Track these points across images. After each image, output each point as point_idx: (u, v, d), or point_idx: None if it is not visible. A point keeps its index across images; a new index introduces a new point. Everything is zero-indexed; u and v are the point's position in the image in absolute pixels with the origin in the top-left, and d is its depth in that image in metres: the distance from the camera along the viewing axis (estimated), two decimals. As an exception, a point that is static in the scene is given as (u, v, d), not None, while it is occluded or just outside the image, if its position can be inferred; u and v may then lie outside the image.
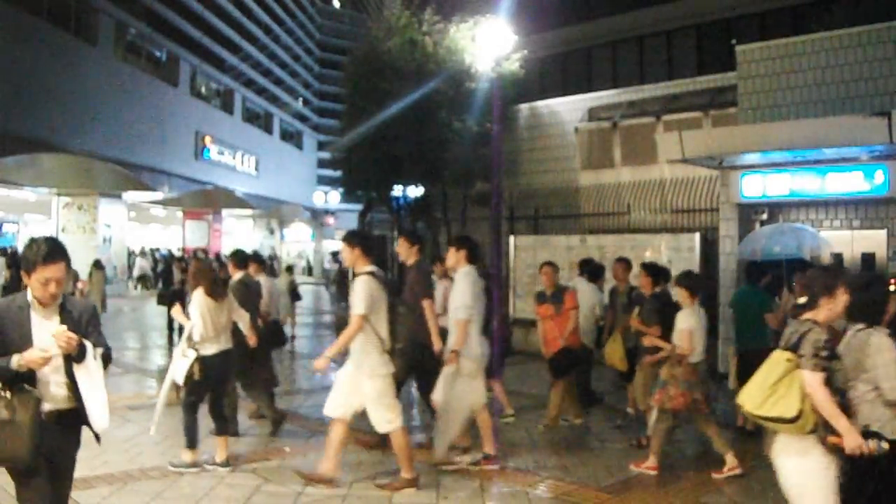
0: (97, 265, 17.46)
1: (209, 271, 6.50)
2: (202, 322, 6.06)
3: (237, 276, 7.35)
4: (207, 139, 37.54)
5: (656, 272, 7.14)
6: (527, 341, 12.68)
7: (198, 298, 6.15)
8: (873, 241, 11.46)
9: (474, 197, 17.84)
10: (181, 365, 6.02)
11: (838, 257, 11.80)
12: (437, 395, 6.04)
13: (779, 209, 11.71)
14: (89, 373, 3.37)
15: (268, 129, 50.21)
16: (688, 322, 6.02)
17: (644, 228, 14.02)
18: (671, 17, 21.20)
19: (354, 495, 5.44)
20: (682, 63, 20.77)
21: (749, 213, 11.64)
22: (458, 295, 6.01)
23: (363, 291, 5.42)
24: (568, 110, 18.83)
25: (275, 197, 44.66)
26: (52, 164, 22.55)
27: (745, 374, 7.36)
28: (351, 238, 5.85)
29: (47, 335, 3.23)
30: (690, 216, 13.38)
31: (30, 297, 3.33)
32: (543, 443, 6.93)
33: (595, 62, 22.81)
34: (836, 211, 11.64)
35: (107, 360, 3.57)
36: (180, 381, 6.10)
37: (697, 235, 12.30)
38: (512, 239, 14.48)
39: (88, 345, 3.36)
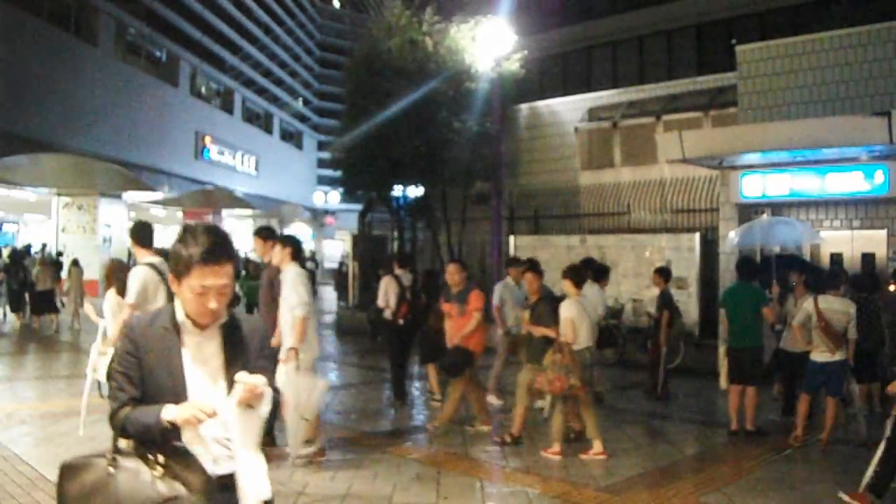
0: (75, 263, 17.53)
1: (120, 271, 6.73)
2: (115, 321, 6.25)
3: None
4: (207, 139, 37.53)
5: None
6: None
7: (110, 298, 6.50)
8: (873, 241, 11.46)
9: (474, 197, 17.82)
10: (102, 363, 6.27)
11: (838, 257, 11.81)
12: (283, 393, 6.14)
13: (779, 209, 11.71)
14: (251, 421, 2.24)
15: (268, 129, 50.19)
16: (570, 311, 6.44)
17: (644, 228, 14.03)
18: (671, 17, 21.21)
19: (354, 495, 5.44)
20: (682, 63, 20.78)
21: (749, 213, 11.64)
22: (293, 293, 6.05)
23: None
24: (568, 110, 18.82)
25: (275, 197, 44.64)
26: (52, 164, 22.54)
27: (737, 373, 7.37)
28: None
29: (207, 373, 2.32)
30: (690, 216, 13.39)
31: (180, 314, 2.33)
32: (543, 443, 6.92)
33: (595, 62, 22.82)
34: (836, 211, 11.64)
35: (276, 405, 2.33)
36: (103, 378, 6.29)
37: (697, 235, 12.32)
38: (512, 239, 14.48)
39: (269, 391, 2.27)
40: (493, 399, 8.54)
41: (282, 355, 5.95)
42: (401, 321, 8.79)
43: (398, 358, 8.88)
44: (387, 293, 8.91)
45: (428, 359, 8.91)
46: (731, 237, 10.39)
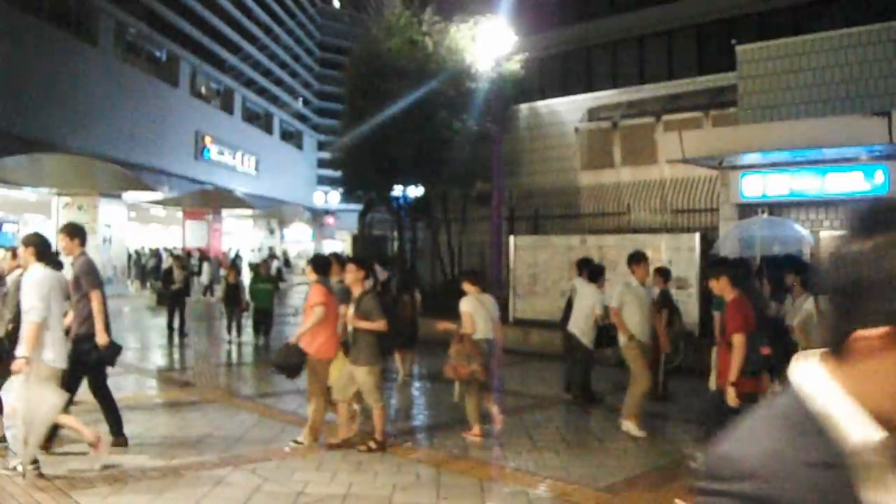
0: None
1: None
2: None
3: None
4: (207, 139, 37.56)
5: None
6: (526, 341, 12.68)
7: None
8: (873, 241, 11.45)
9: (474, 197, 17.83)
10: None
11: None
12: (15, 403, 5.78)
13: (779, 209, 11.71)
14: None
15: (268, 129, 50.21)
16: (467, 306, 7.17)
17: (644, 228, 14.02)
18: (671, 17, 21.19)
19: (354, 495, 5.44)
20: (682, 63, 20.76)
21: (749, 213, 11.65)
22: (26, 297, 5.72)
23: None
24: (568, 110, 18.83)
25: (275, 197, 44.67)
26: (52, 164, 22.55)
27: None
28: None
29: None
30: (690, 216, 13.39)
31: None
32: (543, 443, 6.93)
33: (595, 62, 22.81)
34: (836, 211, 11.64)
35: None
36: None
37: (697, 235, 12.30)
38: (512, 239, 14.48)
39: None
40: (633, 429, 7.29)
41: (14, 365, 5.59)
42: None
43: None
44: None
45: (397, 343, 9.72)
46: (725, 238, 10.41)
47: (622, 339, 7.61)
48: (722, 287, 5.43)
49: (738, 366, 5.11)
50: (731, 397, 5.18)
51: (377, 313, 6.44)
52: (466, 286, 7.43)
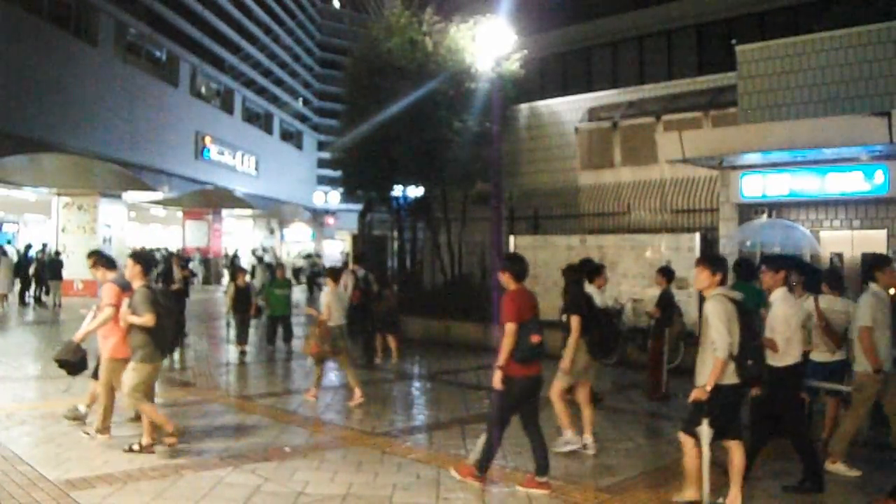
0: (2, 251, 17.52)
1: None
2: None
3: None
4: (207, 139, 37.56)
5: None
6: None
7: None
8: (873, 241, 11.46)
9: (474, 197, 17.82)
10: None
11: (838, 257, 11.81)
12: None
13: (779, 209, 11.71)
14: None
15: (268, 129, 50.21)
16: (326, 298, 8.82)
17: (644, 228, 14.01)
18: (671, 17, 21.20)
19: (354, 495, 5.44)
20: (682, 63, 20.77)
21: (749, 213, 11.65)
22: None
23: None
24: (568, 110, 18.83)
25: (275, 197, 44.68)
26: (52, 164, 22.57)
27: None
28: None
29: None
30: (690, 216, 13.37)
31: None
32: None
33: (595, 62, 22.81)
34: (836, 211, 11.64)
35: None
36: None
37: (697, 235, 12.30)
38: (512, 239, 14.46)
39: None
40: (843, 470, 6.17)
41: None
42: (353, 302, 11.73)
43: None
44: (345, 283, 11.59)
45: (377, 330, 12.18)
46: (731, 237, 10.40)
47: (863, 365, 6.11)
48: (506, 280, 5.76)
49: (507, 351, 5.51)
50: (497, 380, 5.56)
51: (144, 308, 6.27)
52: (328, 282, 9.07)
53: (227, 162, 40.17)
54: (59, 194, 23.87)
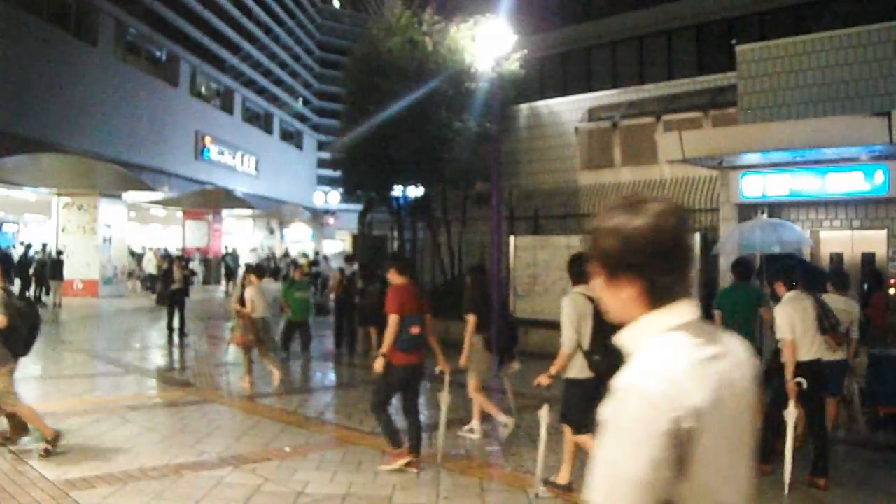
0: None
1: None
2: None
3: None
4: (207, 139, 37.53)
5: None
6: (526, 341, 12.67)
7: None
8: (873, 241, 11.46)
9: (474, 197, 17.82)
10: None
11: (838, 257, 11.81)
12: None
13: (779, 209, 11.71)
14: None
15: (268, 129, 50.18)
16: (251, 294, 9.70)
17: (644, 228, 14.00)
18: (671, 17, 21.19)
19: (354, 495, 5.44)
20: (682, 63, 20.76)
21: (749, 213, 11.65)
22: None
23: None
24: (568, 110, 18.83)
25: (275, 197, 44.65)
26: (52, 164, 22.56)
27: None
28: None
29: None
30: (690, 216, 13.38)
31: None
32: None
33: (595, 62, 22.80)
34: (836, 211, 11.64)
35: None
36: None
37: (697, 235, 12.30)
38: (512, 239, 14.47)
39: None
40: None
41: None
42: (332, 296, 14.40)
43: (338, 320, 13.98)
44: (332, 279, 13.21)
45: (362, 322, 13.02)
46: (724, 240, 10.40)
47: None
48: (391, 276, 6.38)
49: (390, 340, 6.03)
50: (378, 365, 6.06)
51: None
52: (252, 279, 10.00)
53: (227, 162, 40.14)
54: (59, 194, 23.86)
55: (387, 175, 17.11)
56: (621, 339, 1.54)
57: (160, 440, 6.84)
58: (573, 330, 5.30)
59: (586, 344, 5.27)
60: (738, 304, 7.33)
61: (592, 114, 18.35)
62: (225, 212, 36.05)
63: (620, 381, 1.39)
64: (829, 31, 12.17)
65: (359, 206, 22.33)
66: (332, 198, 50.06)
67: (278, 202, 44.20)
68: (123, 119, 28.79)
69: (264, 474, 5.86)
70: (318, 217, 47.72)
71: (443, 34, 16.91)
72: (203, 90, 40.59)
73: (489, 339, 7.17)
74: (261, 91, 50.67)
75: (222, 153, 39.52)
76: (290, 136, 56.49)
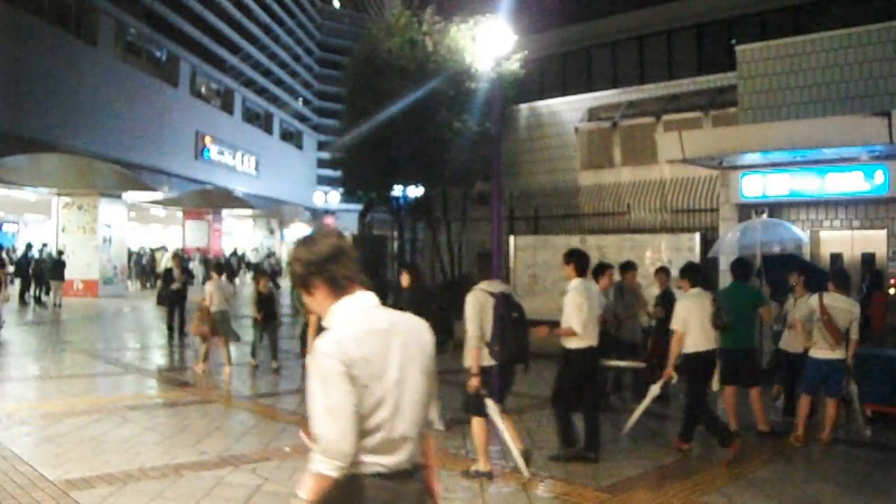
0: None
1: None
2: None
3: None
4: (207, 139, 37.55)
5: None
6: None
7: None
8: (873, 241, 11.45)
9: (474, 197, 17.82)
10: None
11: (838, 257, 11.81)
12: None
13: (779, 209, 11.70)
14: None
15: (268, 129, 50.20)
16: (210, 289, 10.48)
17: (644, 228, 14.02)
18: (671, 17, 21.19)
19: (354, 495, 5.43)
20: (682, 63, 20.76)
21: (749, 213, 11.64)
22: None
23: None
24: (568, 110, 18.83)
25: (275, 197, 44.66)
26: (52, 164, 22.55)
27: (730, 375, 7.35)
28: None
29: None
30: (690, 216, 13.37)
31: None
32: (543, 443, 6.93)
33: (595, 62, 22.81)
34: (836, 211, 11.63)
35: None
36: None
37: (697, 235, 12.30)
38: (512, 239, 14.47)
39: None
40: None
41: None
42: None
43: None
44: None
45: None
46: (721, 242, 10.41)
47: None
48: (403, 279, 7.17)
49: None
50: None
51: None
52: (213, 275, 10.82)
53: (227, 162, 40.16)
54: (59, 194, 23.86)
55: (387, 175, 17.11)
56: (326, 322, 2.26)
57: (160, 440, 6.84)
58: (475, 325, 5.69)
59: (487, 335, 5.72)
60: (737, 304, 7.34)
61: (592, 114, 18.35)
62: (225, 212, 36.08)
63: (317, 345, 2.16)
64: (829, 31, 12.16)
65: (359, 206, 22.34)
66: (332, 198, 50.08)
67: (278, 202, 44.22)
68: (123, 119, 28.79)
69: (264, 474, 5.86)
70: (318, 217, 47.73)
71: (443, 34, 16.90)
72: (203, 90, 40.60)
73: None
74: (261, 91, 50.67)
75: (222, 153, 39.53)
76: (290, 136, 56.50)
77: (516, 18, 15.73)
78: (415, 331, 2.33)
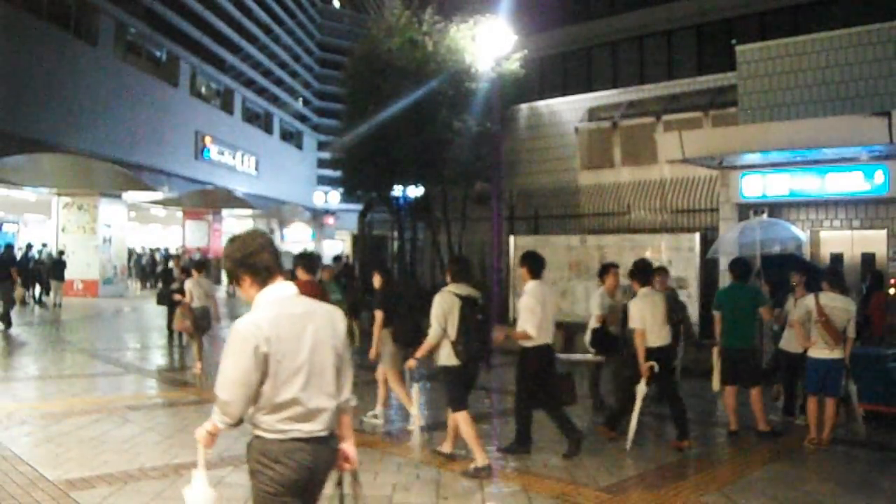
0: None
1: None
2: None
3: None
4: (207, 139, 37.51)
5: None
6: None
7: None
8: (873, 241, 11.46)
9: (474, 197, 17.84)
10: None
11: (838, 257, 11.81)
12: None
13: (779, 209, 11.71)
14: None
15: (268, 129, 50.16)
16: (189, 286, 10.84)
17: (644, 228, 14.03)
18: (671, 17, 21.20)
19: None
20: (682, 63, 20.77)
21: (749, 213, 11.64)
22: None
23: None
24: (568, 110, 18.83)
25: (275, 197, 44.62)
26: (52, 164, 22.55)
27: (730, 375, 7.35)
28: None
29: None
30: (690, 216, 13.38)
31: None
32: (543, 443, 6.92)
33: (595, 62, 22.81)
34: (836, 211, 11.64)
35: None
36: None
37: (697, 235, 12.31)
38: (512, 239, 14.48)
39: None
40: None
41: None
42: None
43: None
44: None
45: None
46: (717, 243, 10.41)
47: None
48: (299, 273, 7.30)
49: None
50: None
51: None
52: (195, 274, 11.04)
53: (227, 162, 40.11)
54: (59, 194, 23.86)
55: (387, 175, 17.13)
56: (253, 307, 2.67)
57: (160, 440, 6.83)
58: (439, 324, 6.01)
59: (453, 335, 5.97)
60: (737, 303, 7.35)
61: (592, 114, 18.35)
62: (225, 212, 36.06)
63: (236, 324, 2.63)
64: (829, 31, 12.16)
65: (359, 206, 22.34)
66: (332, 198, 50.03)
67: (278, 202, 44.18)
68: (123, 119, 28.76)
69: (264, 474, 5.85)
70: (318, 217, 47.72)
71: (443, 34, 16.92)
72: (203, 90, 40.56)
73: (398, 333, 7.72)
74: (261, 91, 50.64)
75: (222, 153, 39.51)
76: (290, 136, 56.47)
77: (516, 18, 15.77)
78: (328, 317, 2.80)
